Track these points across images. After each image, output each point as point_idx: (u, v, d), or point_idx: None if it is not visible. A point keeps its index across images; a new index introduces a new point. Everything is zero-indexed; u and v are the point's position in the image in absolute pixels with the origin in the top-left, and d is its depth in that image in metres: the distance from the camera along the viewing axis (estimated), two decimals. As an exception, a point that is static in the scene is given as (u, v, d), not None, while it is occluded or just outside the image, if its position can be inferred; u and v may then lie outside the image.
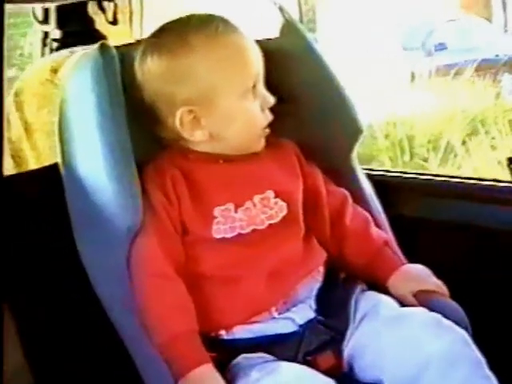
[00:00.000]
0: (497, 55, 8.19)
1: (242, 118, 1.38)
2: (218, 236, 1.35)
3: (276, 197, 1.41)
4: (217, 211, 1.35)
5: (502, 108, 6.08)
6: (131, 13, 2.19)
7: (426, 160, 5.12)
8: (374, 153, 5.21)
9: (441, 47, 8.67)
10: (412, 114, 5.78)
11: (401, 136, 5.34)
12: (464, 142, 5.16)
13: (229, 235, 1.35)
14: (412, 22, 9.09)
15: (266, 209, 1.39)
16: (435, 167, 4.99)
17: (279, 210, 1.41)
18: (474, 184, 1.83)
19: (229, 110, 1.37)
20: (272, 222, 1.39)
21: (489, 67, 7.63)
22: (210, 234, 1.35)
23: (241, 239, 1.36)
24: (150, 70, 1.38)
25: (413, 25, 9.09)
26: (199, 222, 1.35)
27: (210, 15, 1.42)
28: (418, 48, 8.60)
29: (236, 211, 1.36)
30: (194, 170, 1.38)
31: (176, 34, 1.38)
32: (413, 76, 7.31)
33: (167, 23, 1.42)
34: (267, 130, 1.42)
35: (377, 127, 5.36)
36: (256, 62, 1.39)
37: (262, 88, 1.40)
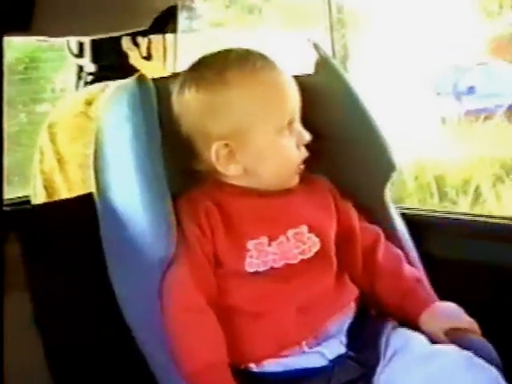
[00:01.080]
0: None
1: (277, 154, 1.40)
2: (251, 269, 1.36)
3: (309, 232, 1.42)
4: (250, 244, 1.36)
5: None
6: (165, 49, 2.22)
7: (455, 203, 5.10)
8: (403, 195, 5.21)
9: (470, 91, 8.66)
10: (442, 157, 5.78)
11: (430, 179, 5.34)
12: (494, 186, 5.15)
13: (261, 269, 1.36)
14: (442, 67, 9.10)
15: (299, 243, 1.40)
16: (465, 211, 4.98)
17: (312, 245, 1.42)
18: (506, 224, 1.83)
19: (264, 146, 1.39)
20: (305, 256, 1.40)
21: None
22: (242, 267, 1.36)
23: (273, 273, 1.37)
24: (187, 103, 1.41)
25: (443, 69, 9.11)
26: (232, 255, 1.36)
27: (249, 50, 1.44)
28: (447, 92, 8.60)
29: (269, 245, 1.38)
30: (228, 203, 1.40)
31: (214, 68, 1.40)
32: (443, 120, 7.31)
33: (206, 56, 1.45)
34: (302, 167, 1.44)
35: (406, 170, 5.37)
36: (293, 98, 1.41)
37: (298, 125, 1.42)
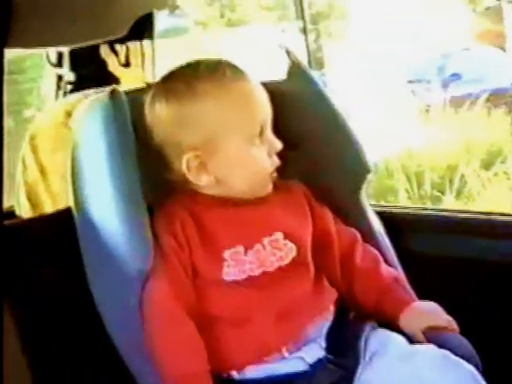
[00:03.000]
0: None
1: (248, 164, 1.40)
2: (228, 279, 1.37)
3: (285, 238, 1.42)
4: (226, 254, 1.37)
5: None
6: (143, 55, 2.22)
7: (443, 192, 5.12)
8: (391, 186, 5.23)
9: (456, 77, 8.67)
10: (428, 146, 5.79)
11: (417, 169, 5.35)
12: (479, 175, 5.17)
13: (239, 278, 1.37)
14: (427, 55, 9.11)
15: (275, 251, 1.41)
16: (452, 199, 5.00)
17: (289, 251, 1.42)
18: (485, 219, 1.84)
19: (234, 156, 1.39)
20: (281, 263, 1.41)
21: (503, 96, 7.64)
22: (220, 276, 1.36)
23: (251, 281, 1.38)
24: (158, 115, 1.41)
25: (427, 57, 9.11)
26: (209, 265, 1.37)
27: (218, 61, 1.45)
28: (432, 79, 8.60)
29: (246, 254, 1.38)
30: (202, 214, 1.40)
31: (184, 80, 1.40)
32: (428, 108, 7.31)
33: (176, 68, 1.45)
34: (274, 175, 1.44)
35: (393, 161, 5.39)
36: (262, 108, 1.41)
37: (269, 133, 1.42)
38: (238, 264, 1.37)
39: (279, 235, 1.42)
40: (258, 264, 1.38)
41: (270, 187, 1.45)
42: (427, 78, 8.53)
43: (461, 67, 8.85)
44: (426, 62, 9.03)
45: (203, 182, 1.40)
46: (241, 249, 1.38)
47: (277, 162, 1.43)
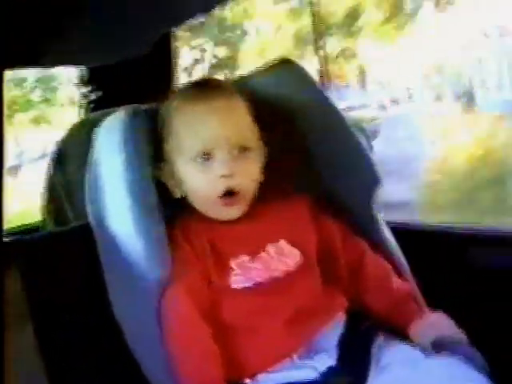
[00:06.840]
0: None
1: (190, 183, 1.47)
2: (236, 286, 1.41)
3: (289, 244, 1.47)
4: (233, 263, 1.42)
5: None
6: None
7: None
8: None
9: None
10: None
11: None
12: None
13: (247, 284, 1.41)
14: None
15: (280, 257, 1.45)
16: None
17: (294, 257, 1.46)
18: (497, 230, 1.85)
19: (181, 173, 1.47)
20: (288, 268, 1.44)
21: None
22: (228, 284, 1.40)
23: (259, 288, 1.41)
24: None
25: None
26: (218, 274, 1.41)
27: (200, 80, 1.57)
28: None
29: (251, 261, 1.43)
30: (210, 229, 1.46)
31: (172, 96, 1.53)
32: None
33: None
34: (228, 199, 1.46)
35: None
36: (215, 129, 1.44)
37: (222, 155, 1.44)
38: (245, 272, 1.42)
39: (283, 242, 1.47)
40: (264, 270, 1.43)
41: (235, 210, 1.48)
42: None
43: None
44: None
45: (176, 193, 1.49)
46: (246, 258, 1.43)
47: (225, 183, 1.45)
